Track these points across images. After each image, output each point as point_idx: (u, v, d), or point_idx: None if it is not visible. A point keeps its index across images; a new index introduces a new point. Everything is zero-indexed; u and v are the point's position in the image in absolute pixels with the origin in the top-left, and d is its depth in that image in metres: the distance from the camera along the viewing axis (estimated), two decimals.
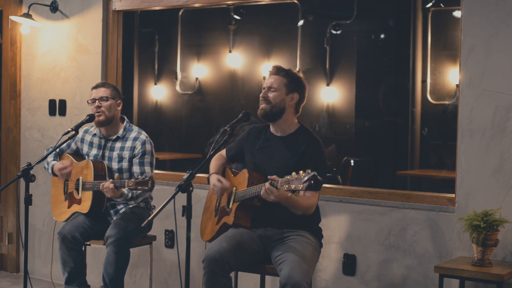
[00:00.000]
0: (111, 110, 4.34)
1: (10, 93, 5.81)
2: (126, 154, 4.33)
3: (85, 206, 4.30)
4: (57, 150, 4.52)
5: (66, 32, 5.50)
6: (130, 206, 4.35)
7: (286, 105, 3.69)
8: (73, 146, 4.53)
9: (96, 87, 4.42)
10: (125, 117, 4.47)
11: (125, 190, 4.12)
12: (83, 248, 4.34)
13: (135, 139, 4.34)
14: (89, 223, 4.30)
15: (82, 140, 4.50)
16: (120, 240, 4.10)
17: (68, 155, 4.50)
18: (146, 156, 4.32)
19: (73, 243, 4.24)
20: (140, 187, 3.94)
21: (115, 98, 4.38)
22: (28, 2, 5.56)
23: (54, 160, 4.49)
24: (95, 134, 4.45)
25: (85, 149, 4.47)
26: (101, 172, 4.29)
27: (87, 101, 4.43)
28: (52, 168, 4.44)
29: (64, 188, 4.46)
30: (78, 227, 4.27)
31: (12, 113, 5.81)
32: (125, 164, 4.32)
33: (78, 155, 4.52)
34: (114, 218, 4.32)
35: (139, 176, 3.99)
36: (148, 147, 4.34)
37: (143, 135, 4.37)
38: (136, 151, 4.31)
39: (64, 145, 4.52)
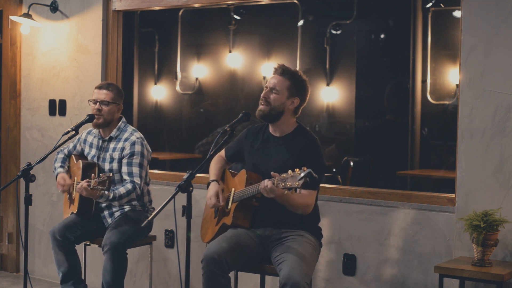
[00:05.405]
0: (111, 114, 4.34)
1: (10, 93, 5.81)
2: (116, 154, 4.30)
3: (75, 206, 4.35)
4: (66, 152, 4.56)
5: (66, 32, 5.49)
6: (126, 209, 4.33)
7: (286, 108, 3.67)
8: (78, 147, 4.55)
9: (100, 87, 4.38)
10: (123, 117, 4.45)
11: (105, 191, 4.08)
12: (75, 247, 4.34)
13: (126, 139, 4.31)
14: (80, 223, 4.31)
15: (85, 141, 4.51)
16: (116, 248, 4.08)
17: (74, 156, 4.52)
18: (134, 157, 4.25)
19: (64, 242, 4.25)
20: (101, 187, 3.94)
21: (117, 102, 4.36)
22: (28, 2, 5.56)
23: (61, 166, 4.50)
24: (95, 135, 4.46)
25: (86, 150, 4.48)
26: (91, 173, 4.27)
27: (89, 100, 4.42)
28: (56, 176, 4.46)
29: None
30: (69, 226, 4.28)
31: (12, 113, 5.81)
32: (115, 165, 4.30)
33: (83, 156, 4.53)
34: (109, 220, 4.31)
35: (105, 176, 3.94)
36: (137, 147, 4.27)
37: (134, 136, 4.31)
38: (125, 152, 4.27)
39: (71, 146, 4.57)
